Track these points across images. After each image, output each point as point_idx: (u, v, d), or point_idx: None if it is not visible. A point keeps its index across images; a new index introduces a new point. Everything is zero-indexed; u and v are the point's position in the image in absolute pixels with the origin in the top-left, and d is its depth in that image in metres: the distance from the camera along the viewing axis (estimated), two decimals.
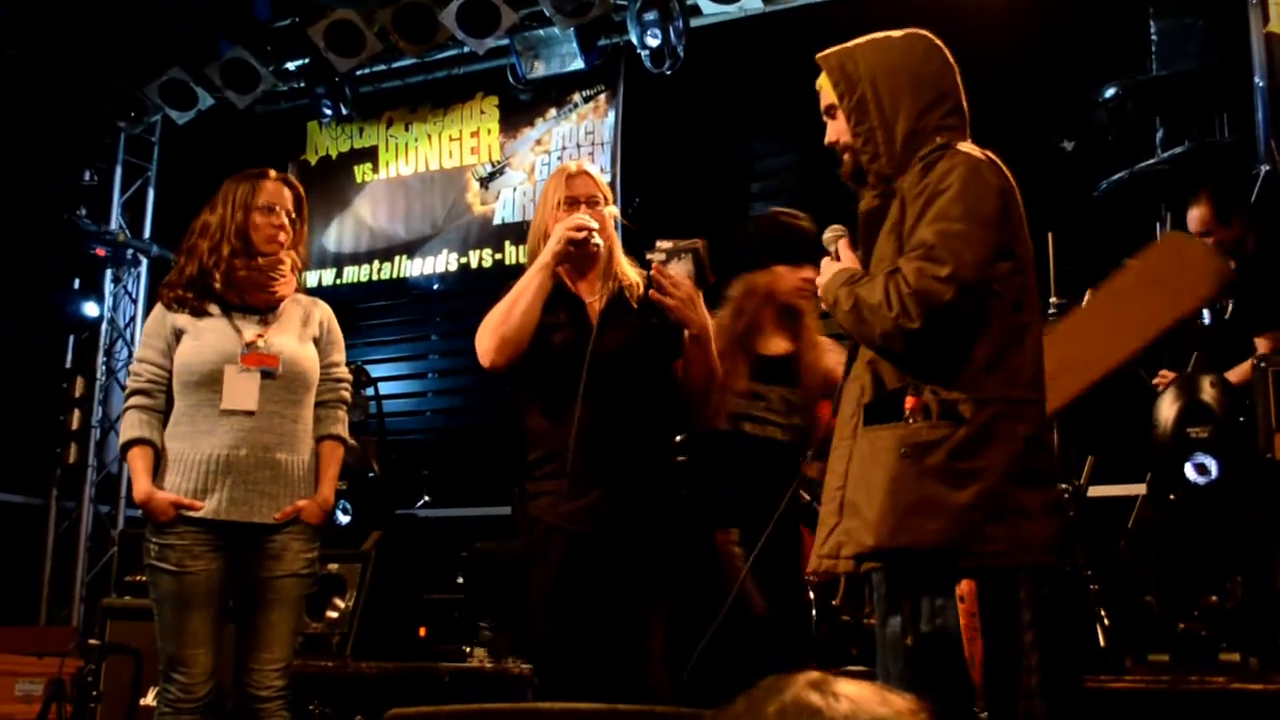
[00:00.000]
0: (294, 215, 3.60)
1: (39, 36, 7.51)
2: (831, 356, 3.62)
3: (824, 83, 2.67)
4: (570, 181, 3.32)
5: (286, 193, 3.59)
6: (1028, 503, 2.36)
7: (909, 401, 2.40)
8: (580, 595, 3.08)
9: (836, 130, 2.66)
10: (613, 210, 3.38)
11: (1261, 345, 4.57)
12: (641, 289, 3.30)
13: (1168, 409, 4.31)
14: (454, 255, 7.96)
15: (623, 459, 3.13)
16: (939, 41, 2.63)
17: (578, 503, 3.09)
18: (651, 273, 3.17)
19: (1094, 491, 4.56)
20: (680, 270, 3.15)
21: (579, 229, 3.16)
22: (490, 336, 3.18)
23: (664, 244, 3.19)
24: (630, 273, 3.34)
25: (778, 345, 3.70)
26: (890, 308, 2.37)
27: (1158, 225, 5.67)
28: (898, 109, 2.54)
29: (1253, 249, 4.83)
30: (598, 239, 3.19)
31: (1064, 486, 4.25)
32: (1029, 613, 2.36)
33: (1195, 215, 4.89)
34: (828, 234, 2.72)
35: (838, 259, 2.66)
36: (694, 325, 3.17)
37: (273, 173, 3.61)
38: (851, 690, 1.17)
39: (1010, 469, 2.35)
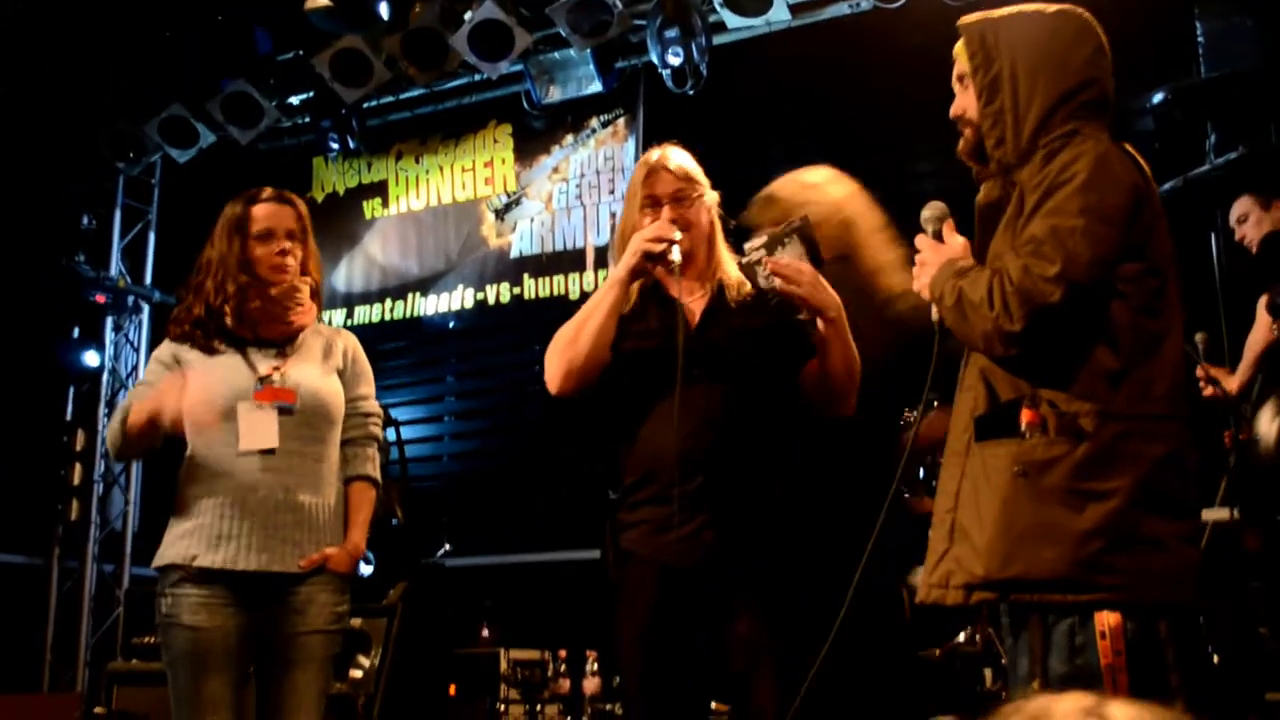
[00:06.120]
0: (298, 235, 3.29)
1: (33, 76, 7.42)
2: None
3: (960, 50, 2.48)
4: (650, 178, 2.91)
5: (284, 211, 3.28)
6: (1159, 531, 2.16)
7: (1025, 415, 2.23)
8: (677, 640, 2.71)
9: (963, 103, 2.48)
10: (712, 198, 2.97)
11: None
12: (743, 290, 2.93)
13: (1268, 425, 4.03)
14: (470, 291, 7.78)
15: (733, 478, 2.74)
16: (1094, 23, 2.42)
17: (680, 531, 2.71)
18: (766, 270, 2.80)
19: None
20: (792, 255, 2.81)
21: (657, 240, 2.80)
22: (556, 362, 2.87)
23: (757, 239, 2.87)
24: (732, 270, 2.96)
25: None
26: (991, 306, 2.21)
27: (1212, 234, 5.64)
28: (1033, 94, 2.35)
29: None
30: (676, 253, 2.81)
31: None
32: (1172, 650, 2.16)
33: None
34: (928, 211, 2.48)
35: (939, 241, 2.45)
36: (829, 308, 2.77)
37: (267, 191, 3.30)
38: (1129, 714, 1.11)
39: (1138, 493, 2.15)
